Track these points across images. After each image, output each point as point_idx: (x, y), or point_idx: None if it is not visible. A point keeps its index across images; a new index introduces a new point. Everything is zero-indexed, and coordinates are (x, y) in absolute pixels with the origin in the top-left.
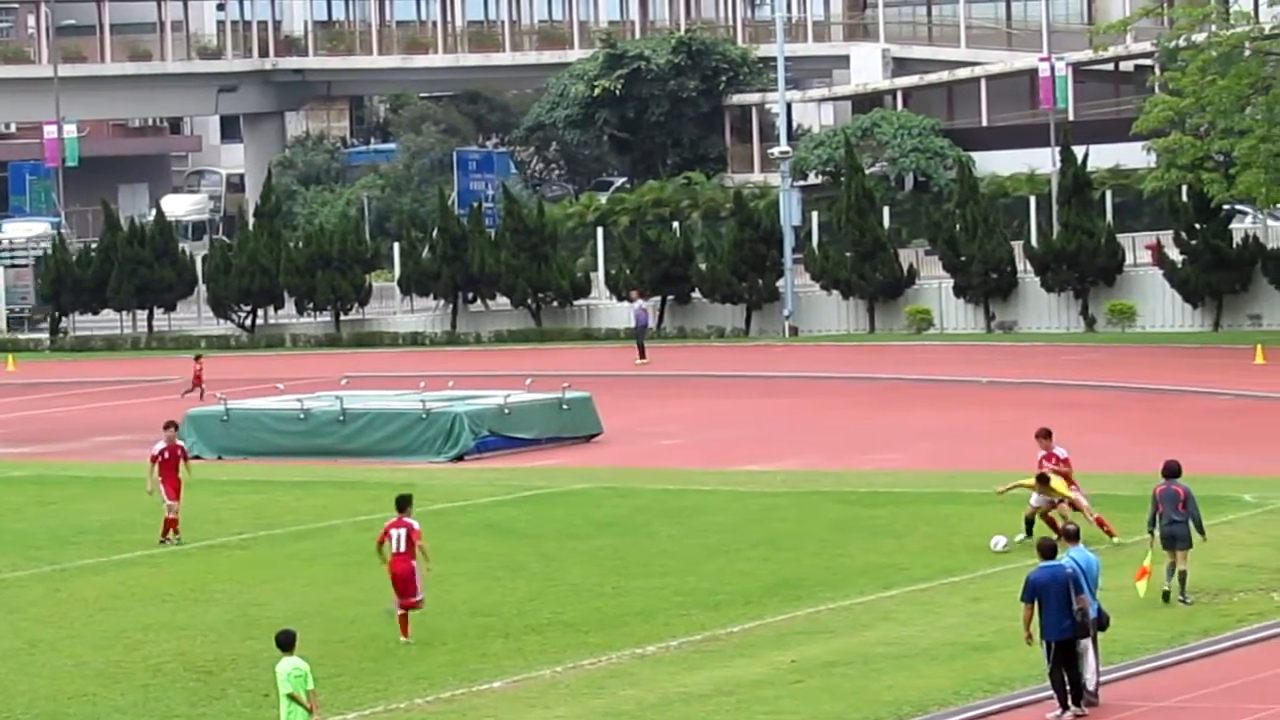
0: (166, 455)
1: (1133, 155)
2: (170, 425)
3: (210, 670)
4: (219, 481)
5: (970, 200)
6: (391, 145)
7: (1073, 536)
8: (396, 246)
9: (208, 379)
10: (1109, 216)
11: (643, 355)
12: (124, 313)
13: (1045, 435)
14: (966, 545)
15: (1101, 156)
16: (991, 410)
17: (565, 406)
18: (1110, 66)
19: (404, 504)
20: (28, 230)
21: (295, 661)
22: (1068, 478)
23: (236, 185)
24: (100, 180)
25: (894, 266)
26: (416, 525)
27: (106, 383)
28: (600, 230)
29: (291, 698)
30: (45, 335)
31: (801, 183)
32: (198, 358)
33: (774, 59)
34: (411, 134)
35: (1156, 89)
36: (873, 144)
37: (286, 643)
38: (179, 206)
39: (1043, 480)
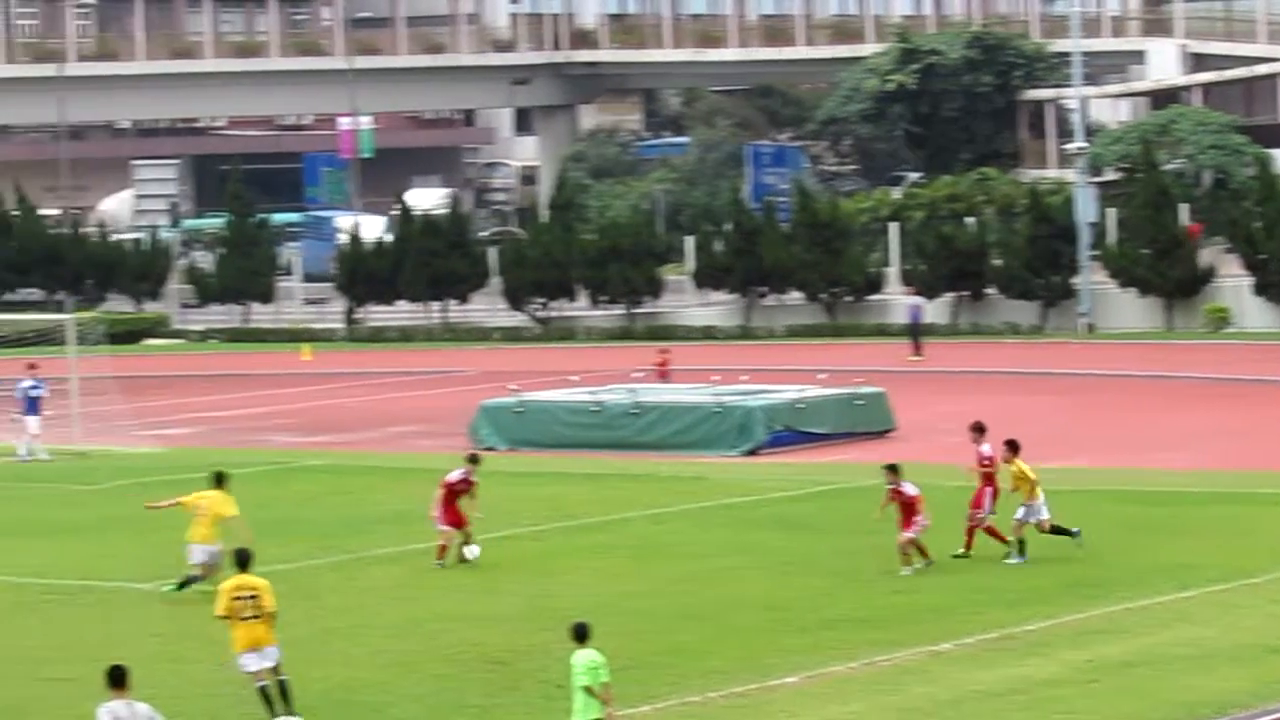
0: (460, 488)
1: None
2: (473, 459)
3: (504, 660)
4: (512, 473)
5: (1269, 198)
6: (684, 139)
7: None
8: (689, 240)
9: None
10: None
11: (918, 351)
12: (418, 304)
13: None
14: (1264, 546)
15: None
16: None
17: (859, 402)
18: None
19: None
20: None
21: (590, 654)
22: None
23: (529, 178)
24: (393, 172)
25: (1191, 264)
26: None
27: (400, 373)
28: (894, 225)
29: (586, 690)
30: (340, 325)
31: (1097, 179)
32: (661, 350)
33: (1069, 54)
34: (704, 127)
35: None
36: (1170, 140)
37: (582, 634)
38: (424, 199)
39: None
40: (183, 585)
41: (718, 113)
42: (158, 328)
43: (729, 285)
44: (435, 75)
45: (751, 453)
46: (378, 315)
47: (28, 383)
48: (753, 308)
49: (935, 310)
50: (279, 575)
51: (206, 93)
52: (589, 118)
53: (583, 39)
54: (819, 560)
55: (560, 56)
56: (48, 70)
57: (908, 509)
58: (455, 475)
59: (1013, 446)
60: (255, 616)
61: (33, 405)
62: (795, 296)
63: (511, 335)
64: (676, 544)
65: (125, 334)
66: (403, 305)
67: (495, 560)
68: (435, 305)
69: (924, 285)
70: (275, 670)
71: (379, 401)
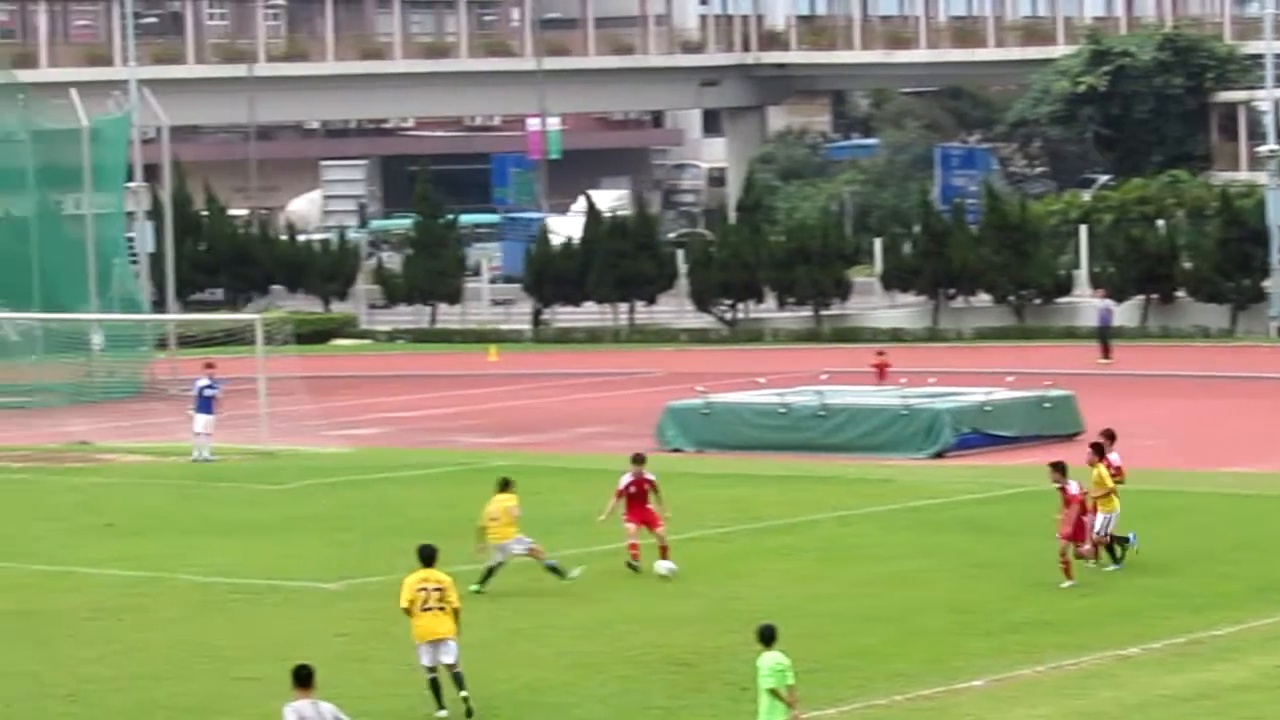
0: (633, 490)
1: None
2: (638, 459)
3: (689, 662)
4: (700, 475)
5: None
6: (872, 140)
7: None
8: (877, 242)
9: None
10: None
11: (1106, 355)
12: (605, 305)
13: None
14: None
15: None
16: None
17: (1047, 404)
18: None
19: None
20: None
21: (776, 656)
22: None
23: (717, 179)
24: (581, 173)
25: None
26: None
27: (587, 374)
28: (1083, 228)
29: (772, 693)
30: (527, 326)
31: None
32: (880, 352)
33: (1262, 56)
34: (893, 129)
35: None
36: None
37: (768, 637)
38: (604, 200)
39: None
40: (484, 579)
41: (907, 114)
42: (345, 328)
43: (917, 287)
44: (624, 76)
45: (938, 455)
46: (565, 316)
47: (204, 381)
48: (940, 310)
49: (1124, 313)
50: (465, 576)
51: (395, 93)
52: (778, 119)
53: (772, 40)
54: (1005, 563)
55: (749, 58)
56: (238, 71)
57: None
58: (625, 479)
59: (1099, 450)
60: (439, 608)
61: (205, 404)
62: (983, 299)
63: (698, 337)
64: (863, 546)
65: (313, 334)
66: (590, 306)
67: (681, 562)
68: (622, 306)
69: (1113, 288)
70: (452, 666)
71: (566, 402)
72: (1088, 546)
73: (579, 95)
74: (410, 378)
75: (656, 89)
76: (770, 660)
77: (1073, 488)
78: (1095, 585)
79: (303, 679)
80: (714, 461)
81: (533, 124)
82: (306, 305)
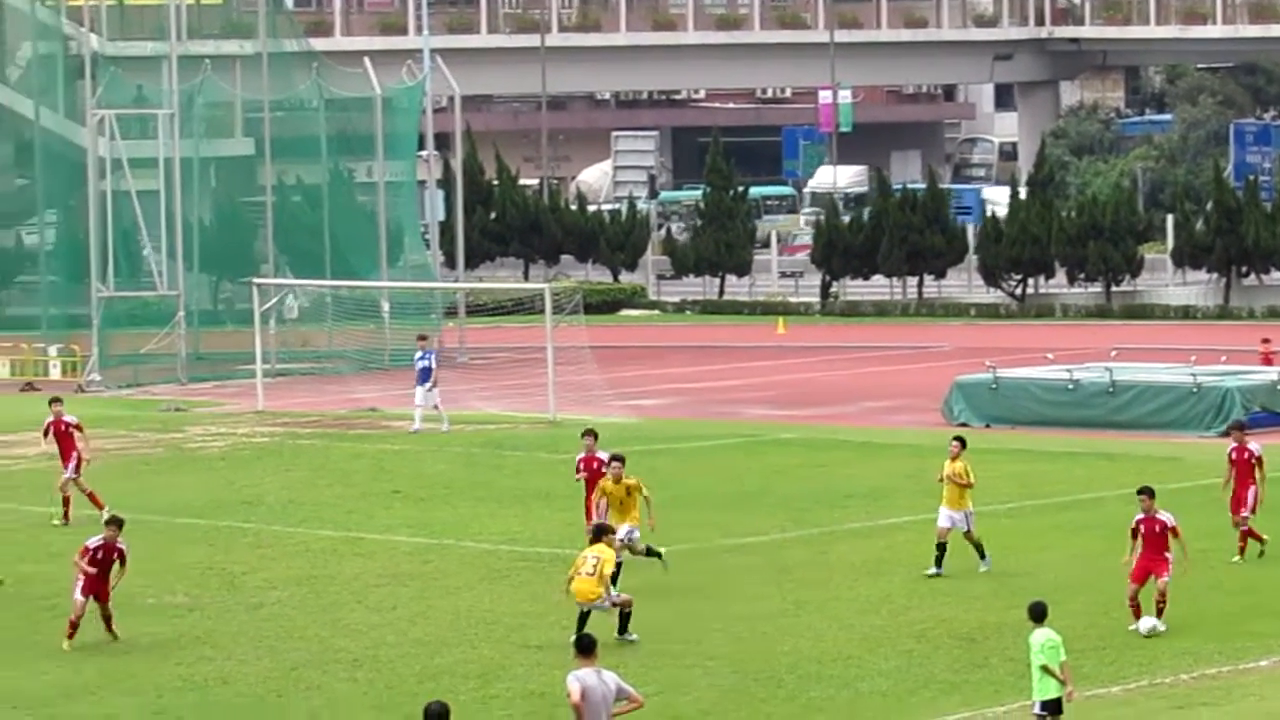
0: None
1: None
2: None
3: (973, 638)
4: (986, 450)
5: None
6: (1166, 116)
7: None
8: (1169, 218)
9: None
10: None
11: None
12: (894, 279)
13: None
14: None
15: None
16: None
17: None
18: None
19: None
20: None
21: (1048, 633)
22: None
23: (1008, 153)
24: (872, 146)
25: None
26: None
27: (874, 348)
28: None
29: (1044, 669)
30: (815, 299)
31: None
32: (1265, 340)
33: None
34: (1187, 105)
35: None
36: None
37: (1039, 614)
38: (842, 177)
39: None
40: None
41: (1201, 90)
42: (634, 298)
43: (1208, 264)
44: (916, 50)
45: (1227, 433)
46: (853, 290)
47: (418, 353)
48: (1232, 287)
49: None
50: (750, 548)
51: (687, 65)
52: (1070, 94)
53: (1066, 15)
54: None
55: (1043, 32)
56: (530, 41)
57: (1159, 540)
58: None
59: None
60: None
61: (423, 375)
62: (1276, 277)
63: (988, 312)
64: None
65: (601, 304)
66: (878, 280)
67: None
68: (911, 280)
69: None
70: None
71: (853, 376)
72: (1165, 578)
73: (871, 68)
74: (698, 349)
75: (949, 62)
76: (1042, 637)
77: (1164, 517)
78: None
79: (586, 648)
80: (1000, 437)
81: (824, 96)
82: (595, 275)
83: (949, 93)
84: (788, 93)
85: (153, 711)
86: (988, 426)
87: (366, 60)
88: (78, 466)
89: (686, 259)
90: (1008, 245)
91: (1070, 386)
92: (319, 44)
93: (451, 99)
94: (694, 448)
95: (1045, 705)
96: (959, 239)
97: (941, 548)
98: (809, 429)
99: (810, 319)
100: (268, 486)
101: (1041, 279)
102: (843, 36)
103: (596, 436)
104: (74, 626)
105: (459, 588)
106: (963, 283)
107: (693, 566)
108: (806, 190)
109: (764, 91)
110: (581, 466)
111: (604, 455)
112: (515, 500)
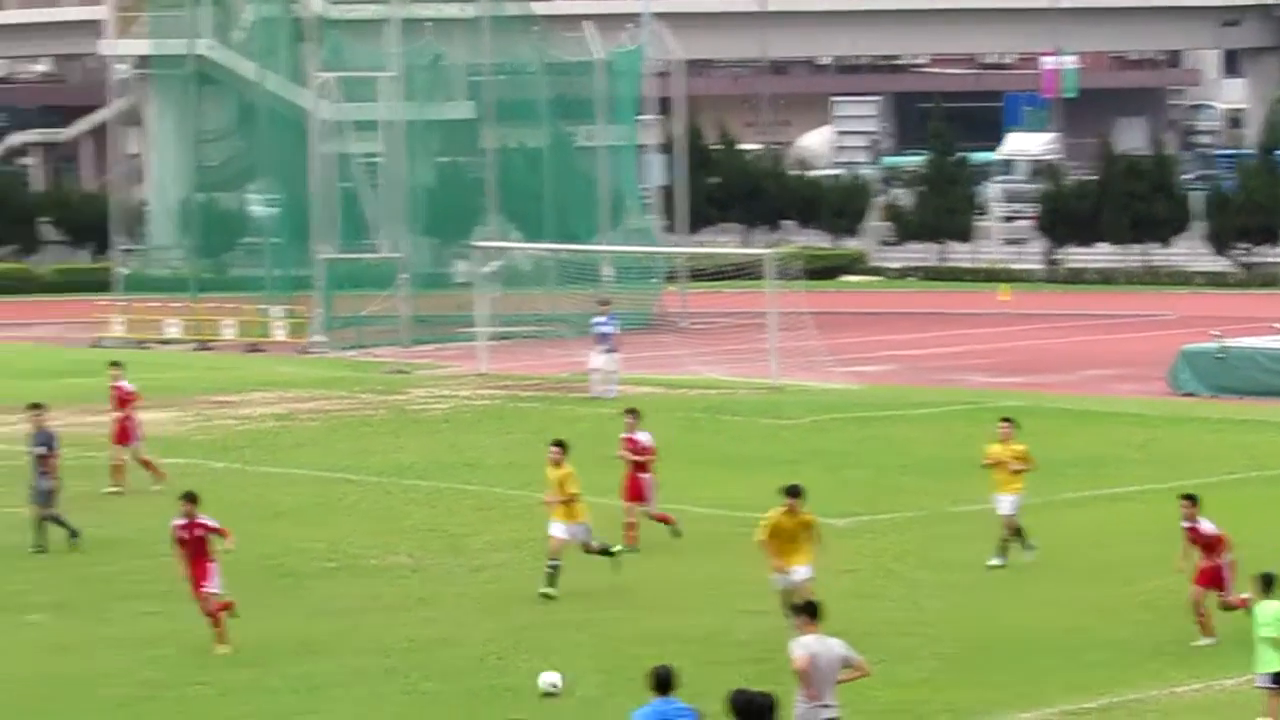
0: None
1: None
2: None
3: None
4: (1211, 420)
5: None
6: None
7: None
8: None
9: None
10: None
11: None
12: (1118, 246)
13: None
14: None
15: None
16: None
17: None
18: None
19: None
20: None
21: (1276, 605)
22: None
23: (1235, 121)
24: (1096, 113)
25: None
26: None
27: (1098, 316)
28: None
29: (1271, 641)
30: (1039, 265)
31: None
32: None
33: None
34: None
35: None
36: None
37: (1268, 584)
38: (1031, 144)
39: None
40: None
41: None
42: (855, 264)
43: None
44: (1142, 15)
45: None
46: (1077, 257)
47: (600, 318)
48: None
49: None
50: (967, 515)
51: (909, 30)
52: None
53: None
54: None
55: None
56: (751, 5)
57: (1209, 550)
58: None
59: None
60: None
61: (602, 340)
62: None
63: (1214, 280)
64: None
65: (822, 269)
66: (1102, 247)
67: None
68: (1136, 248)
69: None
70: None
71: (1076, 344)
72: (1234, 596)
73: (1096, 33)
74: (919, 315)
75: (1175, 28)
76: (1271, 609)
77: (1206, 527)
78: None
79: (810, 613)
80: (1227, 407)
81: (1047, 62)
82: (816, 240)
83: (1174, 58)
84: (1010, 59)
85: (383, 670)
86: (1214, 396)
87: (587, 24)
88: (135, 436)
89: (908, 225)
90: (1235, 214)
91: None
92: (539, 8)
93: (672, 63)
94: (917, 415)
95: (1274, 678)
96: (1184, 207)
97: (1017, 532)
98: (1030, 396)
99: (1033, 286)
100: (489, 449)
101: (1268, 247)
102: (1066, 2)
103: (639, 415)
104: (223, 609)
105: (679, 551)
106: (1188, 250)
107: (916, 533)
108: (998, 157)
109: (986, 57)
110: (624, 445)
111: (643, 436)
112: (736, 465)
